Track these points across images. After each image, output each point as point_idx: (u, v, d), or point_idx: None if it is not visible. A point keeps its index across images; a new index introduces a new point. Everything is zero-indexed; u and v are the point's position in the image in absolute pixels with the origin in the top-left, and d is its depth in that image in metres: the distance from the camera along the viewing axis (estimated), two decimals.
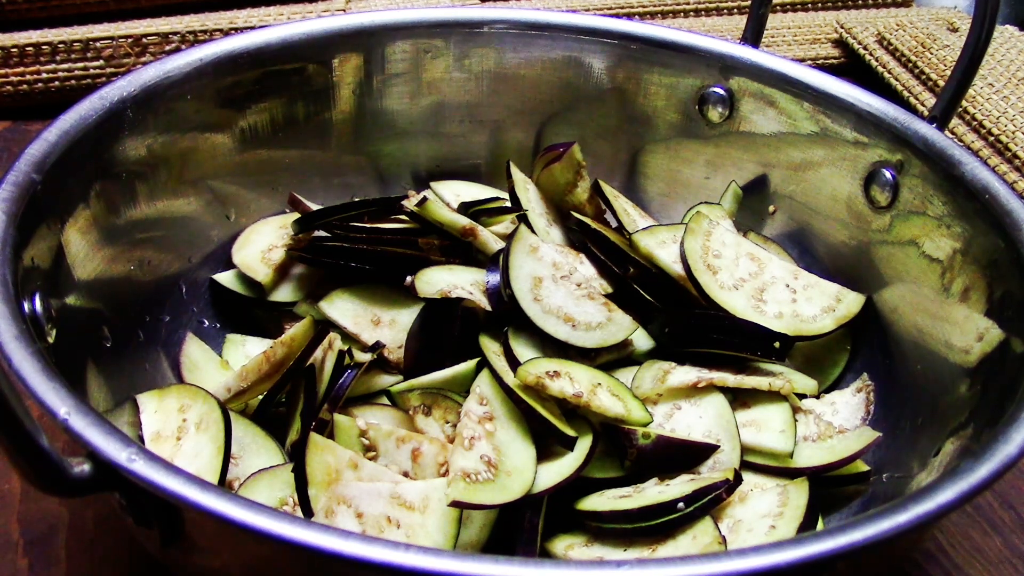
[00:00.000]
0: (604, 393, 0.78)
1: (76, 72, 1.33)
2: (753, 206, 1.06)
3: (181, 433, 0.74)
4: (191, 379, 0.87)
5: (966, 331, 0.82)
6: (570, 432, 0.75)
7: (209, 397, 0.76)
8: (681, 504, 0.71)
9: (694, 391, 0.82)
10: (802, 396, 0.88)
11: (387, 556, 0.51)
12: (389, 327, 0.88)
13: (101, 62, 1.33)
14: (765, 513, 0.74)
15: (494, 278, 0.85)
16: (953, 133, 1.31)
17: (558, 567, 0.53)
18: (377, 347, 0.84)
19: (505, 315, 0.83)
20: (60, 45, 1.32)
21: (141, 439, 0.74)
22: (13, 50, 1.31)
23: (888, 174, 0.93)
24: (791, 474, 0.80)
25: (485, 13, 1.07)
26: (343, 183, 1.07)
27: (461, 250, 0.93)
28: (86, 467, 0.57)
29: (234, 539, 0.61)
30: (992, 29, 0.89)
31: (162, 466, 0.55)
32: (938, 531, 0.86)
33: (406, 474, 0.75)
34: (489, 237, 0.93)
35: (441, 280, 0.86)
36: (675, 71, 1.06)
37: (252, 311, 0.96)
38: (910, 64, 1.44)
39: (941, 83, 1.36)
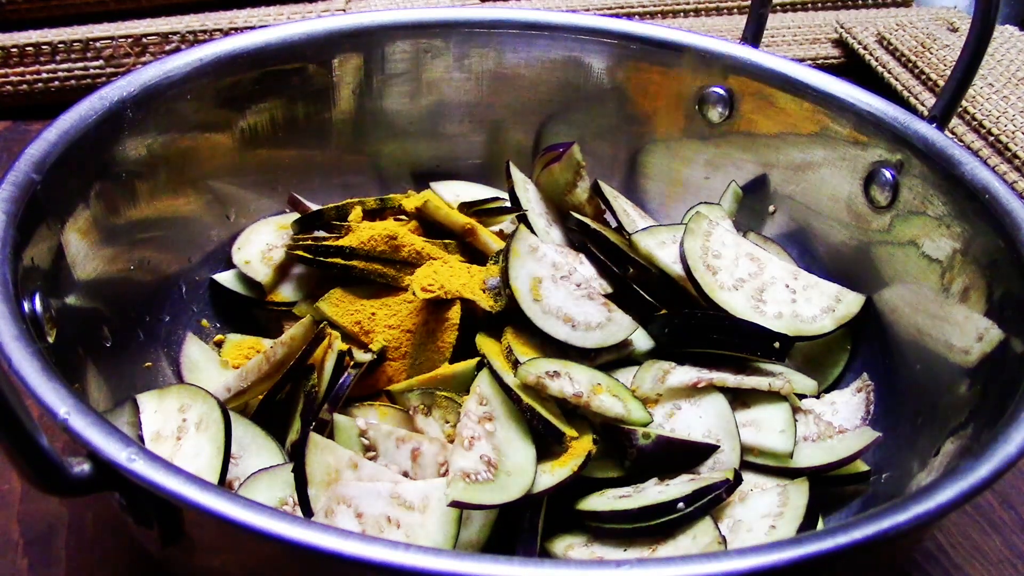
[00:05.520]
0: (604, 393, 0.78)
1: (76, 72, 1.33)
2: (753, 206, 1.06)
3: (181, 433, 0.74)
4: (191, 379, 0.87)
5: (966, 331, 0.82)
6: (570, 432, 0.75)
7: (209, 397, 0.76)
8: (681, 504, 0.71)
9: (694, 391, 0.82)
10: (802, 396, 0.88)
11: (387, 556, 0.51)
12: (389, 327, 0.87)
13: (101, 62, 1.33)
14: (765, 513, 0.74)
15: (494, 278, 0.85)
16: (953, 133, 1.31)
17: (558, 567, 0.53)
18: (378, 347, 0.84)
19: (505, 315, 0.83)
20: (60, 45, 1.32)
21: (141, 439, 0.74)
22: (13, 50, 1.31)
23: (888, 174, 0.93)
24: (791, 474, 0.80)
25: (485, 13, 1.07)
26: (343, 183, 1.07)
27: (461, 250, 0.93)
28: (86, 467, 0.57)
29: (234, 539, 0.61)
30: (992, 29, 0.89)
31: (162, 466, 0.55)
32: (938, 531, 0.86)
33: (406, 474, 0.75)
34: (489, 237, 0.93)
35: (440, 280, 0.86)
36: (675, 71, 1.06)
37: (252, 311, 0.96)
38: (910, 64, 1.44)
39: (941, 83, 1.36)
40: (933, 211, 0.89)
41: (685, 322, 0.87)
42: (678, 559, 0.53)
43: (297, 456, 0.73)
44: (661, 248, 0.93)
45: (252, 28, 1.30)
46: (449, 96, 1.09)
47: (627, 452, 0.78)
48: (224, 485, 0.72)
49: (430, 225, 0.94)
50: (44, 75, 1.32)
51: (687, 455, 0.79)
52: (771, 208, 1.05)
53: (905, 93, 1.43)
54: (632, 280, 0.91)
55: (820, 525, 0.76)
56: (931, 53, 1.42)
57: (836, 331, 0.91)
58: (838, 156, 0.98)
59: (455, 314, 0.84)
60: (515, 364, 0.78)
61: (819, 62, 1.53)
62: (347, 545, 0.52)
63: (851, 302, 0.93)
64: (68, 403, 0.58)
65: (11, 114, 1.33)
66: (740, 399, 0.84)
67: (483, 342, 0.82)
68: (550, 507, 0.74)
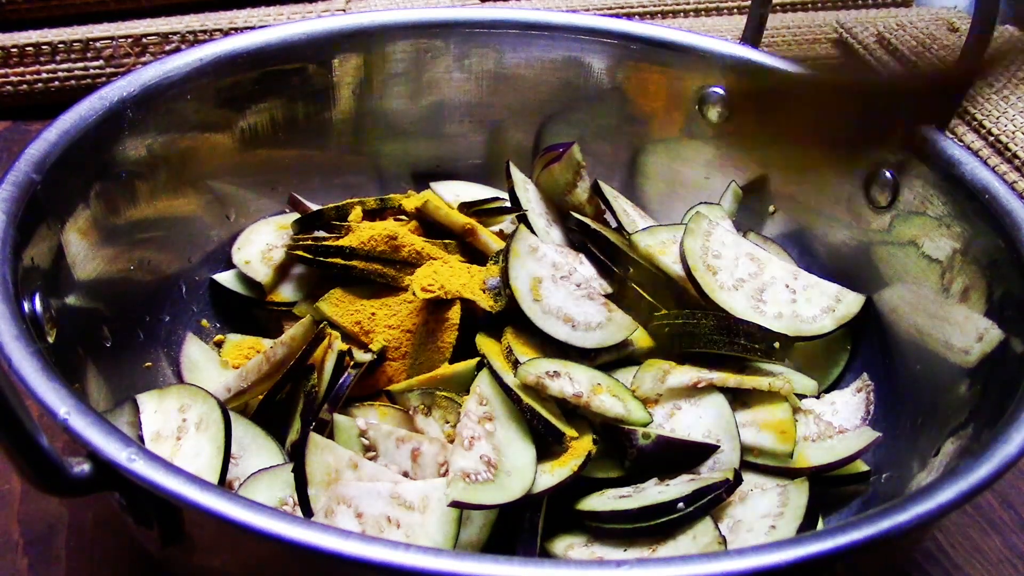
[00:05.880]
0: (604, 393, 0.78)
1: (76, 72, 1.33)
2: (753, 206, 1.06)
3: (181, 433, 0.74)
4: (191, 379, 0.87)
5: (966, 331, 0.82)
6: (570, 432, 0.75)
7: (209, 397, 0.76)
8: (681, 504, 0.71)
9: (694, 391, 0.82)
10: (802, 396, 0.88)
11: (387, 556, 0.52)
12: (389, 327, 0.87)
13: (101, 62, 1.33)
14: (765, 513, 0.74)
15: (494, 278, 0.85)
16: (953, 133, 1.31)
17: (558, 567, 0.53)
18: (378, 347, 0.84)
19: (505, 315, 0.83)
20: (60, 45, 1.32)
21: (141, 439, 0.74)
22: (13, 50, 1.31)
23: (888, 174, 0.93)
24: (791, 474, 0.80)
25: (485, 13, 1.07)
26: (343, 183, 1.07)
27: (461, 250, 0.93)
28: (86, 467, 0.57)
29: (234, 539, 0.61)
30: (992, 29, 0.89)
31: (162, 466, 0.55)
32: (938, 531, 0.86)
33: (406, 474, 0.75)
34: (489, 237, 0.93)
35: (440, 280, 0.86)
36: (675, 71, 1.06)
37: (252, 311, 0.96)
38: (910, 64, 1.44)
39: None
40: (933, 211, 0.89)
41: (685, 322, 0.87)
42: (678, 559, 0.53)
43: (297, 456, 0.73)
44: (661, 248, 0.92)
45: (252, 28, 1.31)
46: (449, 96, 1.09)
47: (627, 452, 0.78)
48: (224, 485, 0.72)
49: (430, 225, 0.94)
50: (44, 75, 1.32)
51: (687, 455, 0.79)
52: (771, 208, 1.05)
53: None
54: (632, 280, 0.91)
55: (820, 525, 0.76)
56: (931, 53, 1.42)
57: (836, 331, 0.91)
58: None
59: (455, 314, 0.84)
60: (515, 364, 0.78)
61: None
62: (347, 545, 0.52)
63: (851, 302, 0.93)
64: (68, 403, 0.58)
65: (11, 114, 1.33)
66: (740, 399, 0.84)
67: (483, 342, 0.82)
68: (550, 507, 0.74)
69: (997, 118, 1.28)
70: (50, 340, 0.70)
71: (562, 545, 0.74)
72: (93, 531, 0.81)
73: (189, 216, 0.95)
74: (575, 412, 0.78)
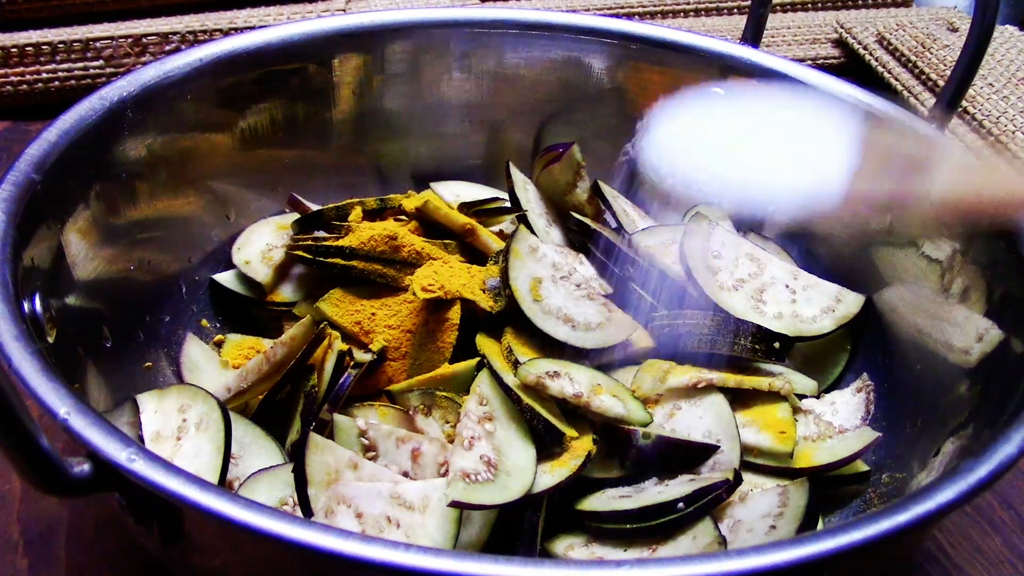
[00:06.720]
0: (604, 393, 0.78)
1: (76, 72, 1.33)
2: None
3: (181, 433, 0.74)
4: (191, 379, 0.87)
5: (966, 331, 0.82)
6: (570, 432, 0.75)
7: (209, 397, 0.76)
8: (681, 504, 0.71)
9: (694, 391, 0.82)
10: (802, 396, 0.88)
11: (387, 556, 0.52)
12: (389, 327, 0.87)
13: (101, 62, 1.33)
14: (765, 513, 0.74)
15: (494, 278, 0.85)
16: (953, 133, 1.30)
17: (558, 567, 0.53)
18: (378, 347, 0.84)
19: (505, 315, 0.83)
20: (60, 45, 1.32)
21: (141, 439, 0.74)
22: (13, 50, 1.31)
23: None
24: (791, 474, 0.80)
25: (485, 13, 1.07)
26: (343, 183, 1.07)
27: (461, 250, 0.93)
28: (86, 467, 0.57)
29: (234, 539, 0.61)
30: (992, 29, 0.89)
31: (162, 466, 0.55)
32: (938, 531, 0.86)
33: (406, 474, 0.75)
34: (489, 237, 0.93)
35: (440, 280, 0.86)
36: (675, 71, 1.06)
37: (252, 311, 0.96)
38: (910, 64, 1.44)
39: (941, 83, 1.36)
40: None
41: (685, 322, 0.87)
42: (678, 559, 0.53)
43: (297, 456, 0.73)
44: (661, 248, 0.92)
45: (252, 28, 1.30)
46: (449, 96, 1.09)
47: (627, 452, 0.78)
48: (224, 485, 0.72)
49: (430, 225, 0.94)
50: (44, 75, 1.32)
51: (687, 455, 0.79)
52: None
53: (905, 93, 1.43)
54: (632, 280, 0.91)
55: (820, 525, 0.76)
56: (931, 53, 1.42)
57: (836, 331, 0.91)
58: None
59: (455, 314, 0.84)
60: (515, 364, 0.78)
61: (819, 62, 1.53)
62: (347, 545, 0.52)
63: (851, 302, 0.93)
64: (68, 403, 0.58)
65: (11, 114, 1.33)
66: (740, 399, 0.84)
67: (483, 342, 0.82)
68: (550, 507, 0.74)
69: (997, 118, 1.28)
70: (50, 340, 0.70)
71: (562, 545, 0.74)
72: (93, 531, 0.81)
73: (189, 216, 0.95)
74: (575, 412, 0.78)
